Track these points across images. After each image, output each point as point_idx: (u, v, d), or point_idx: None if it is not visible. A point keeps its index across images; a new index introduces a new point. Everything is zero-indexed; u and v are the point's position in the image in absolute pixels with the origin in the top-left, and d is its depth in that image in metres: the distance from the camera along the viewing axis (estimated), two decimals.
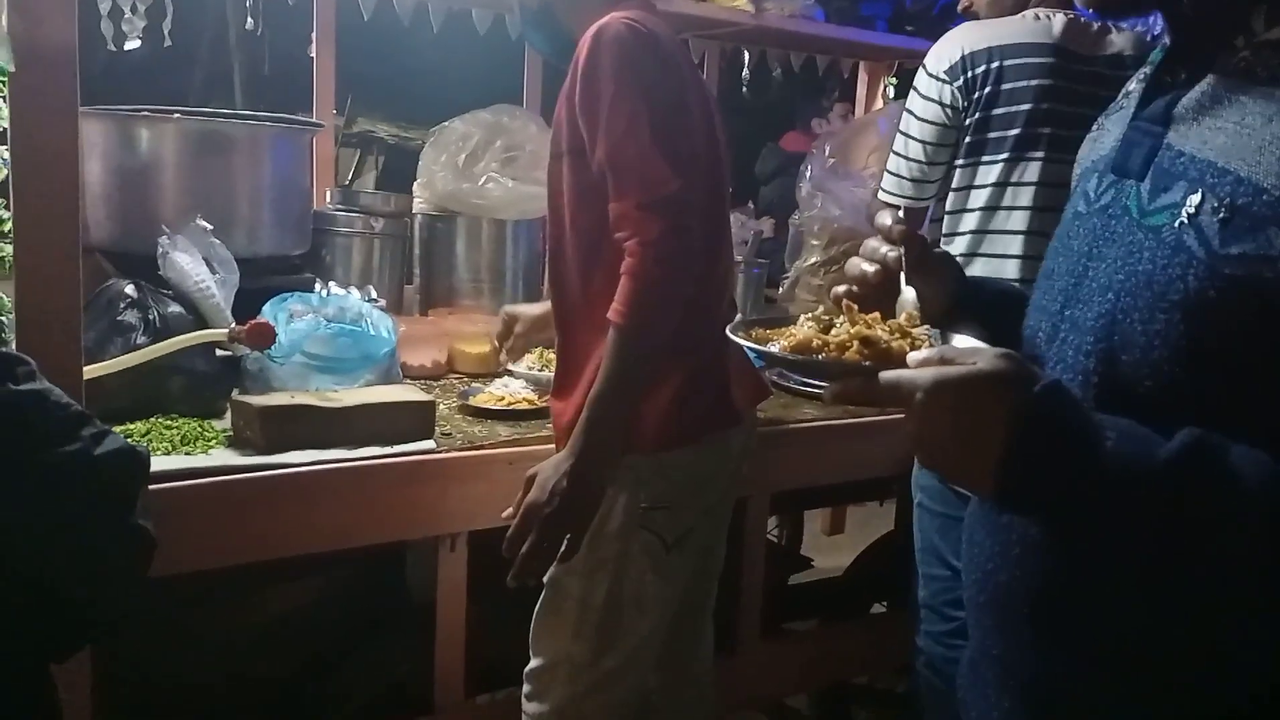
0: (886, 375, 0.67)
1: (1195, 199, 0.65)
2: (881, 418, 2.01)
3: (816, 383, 2.13)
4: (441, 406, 1.85)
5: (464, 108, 2.38)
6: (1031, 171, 1.80)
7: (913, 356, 0.68)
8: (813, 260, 2.91)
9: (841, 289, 0.85)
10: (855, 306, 0.79)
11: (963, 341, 0.74)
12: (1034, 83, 1.78)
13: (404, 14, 2.51)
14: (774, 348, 0.78)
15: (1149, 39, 1.81)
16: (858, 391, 0.70)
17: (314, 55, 2.49)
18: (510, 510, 1.42)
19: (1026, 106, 1.79)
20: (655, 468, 1.50)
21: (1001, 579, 0.76)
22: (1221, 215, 0.63)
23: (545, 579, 1.50)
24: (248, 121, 2.08)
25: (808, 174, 2.93)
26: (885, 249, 0.85)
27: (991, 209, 1.84)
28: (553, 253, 1.59)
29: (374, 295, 2.09)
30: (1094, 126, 0.94)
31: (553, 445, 1.63)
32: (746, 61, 3.03)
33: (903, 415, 0.65)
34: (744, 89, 3.00)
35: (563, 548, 1.40)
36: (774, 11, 2.61)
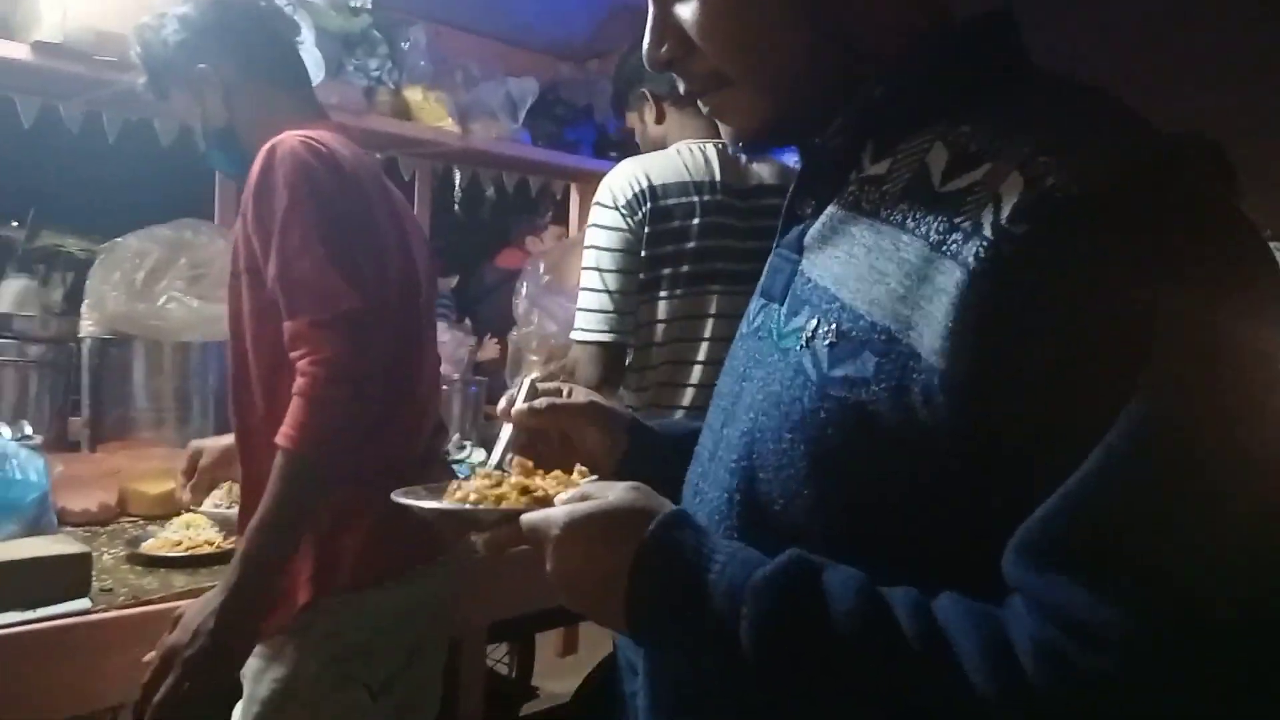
0: (526, 517, 0.68)
1: (813, 323, 0.67)
2: None
3: None
4: (106, 557, 1.64)
5: (158, 219, 2.20)
6: (708, 305, 1.86)
7: (558, 498, 0.69)
8: (533, 376, 2.90)
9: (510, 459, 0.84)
10: (529, 464, 0.80)
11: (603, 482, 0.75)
12: (701, 220, 1.85)
13: (72, 122, 2.30)
14: (430, 503, 0.77)
15: (791, 165, 1.96)
16: (507, 537, 0.70)
17: None
18: (151, 654, 1.27)
19: (694, 244, 1.85)
20: (353, 608, 1.38)
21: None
22: (829, 340, 0.65)
23: None
24: None
25: (523, 291, 2.95)
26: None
27: (674, 342, 1.88)
28: (235, 377, 1.48)
29: (27, 432, 1.85)
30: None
31: None
32: (457, 181, 3.04)
33: None
34: (455, 207, 3.00)
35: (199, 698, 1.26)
36: (481, 133, 2.64)
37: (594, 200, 1.90)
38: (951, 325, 0.58)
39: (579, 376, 1.97)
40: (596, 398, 0.93)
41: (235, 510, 1.84)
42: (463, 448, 2.57)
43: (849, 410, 0.63)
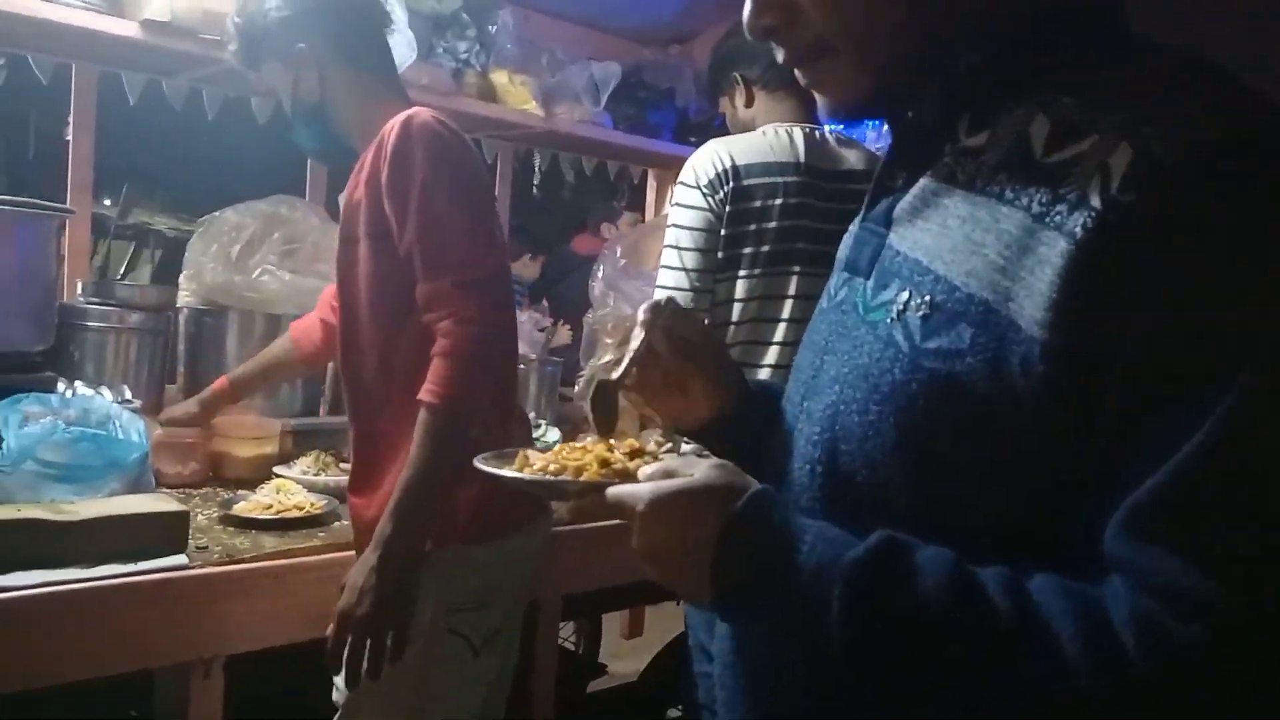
0: (611, 490, 0.69)
1: (904, 296, 0.67)
2: None
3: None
4: (200, 517, 1.70)
5: (247, 198, 2.26)
6: (787, 285, 1.87)
7: (642, 471, 0.71)
8: (606, 358, 2.92)
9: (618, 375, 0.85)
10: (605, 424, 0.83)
11: (691, 454, 0.77)
12: (784, 201, 1.86)
13: (175, 99, 2.38)
14: (518, 473, 0.80)
15: (878, 152, 1.95)
16: (592, 508, 0.72)
17: (70, 138, 2.31)
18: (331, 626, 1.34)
19: (775, 224, 1.86)
20: (466, 562, 1.43)
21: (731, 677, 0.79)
22: (923, 312, 0.65)
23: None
24: None
25: (600, 274, 2.97)
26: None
27: (751, 321, 1.89)
28: (345, 339, 1.53)
29: (127, 395, 1.92)
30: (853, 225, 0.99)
31: (338, 554, 1.53)
32: (538, 164, 3.07)
33: None
34: (535, 189, 3.03)
35: (388, 647, 1.33)
36: (564, 116, 2.67)
37: (678, 179, 1.92)
38: (1055, 296, 0.57)
39: None
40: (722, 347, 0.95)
41: (322, 477, 1.90)
42: (538, 426, 2.61)
43: (941, 382, 0.63)
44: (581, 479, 0.75)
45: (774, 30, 0.74)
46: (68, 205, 2.17)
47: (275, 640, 1.51)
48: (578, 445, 0.81)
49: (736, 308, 1.90)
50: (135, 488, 1.66)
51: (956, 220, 0.66)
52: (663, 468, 0.69)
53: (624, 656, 2.98)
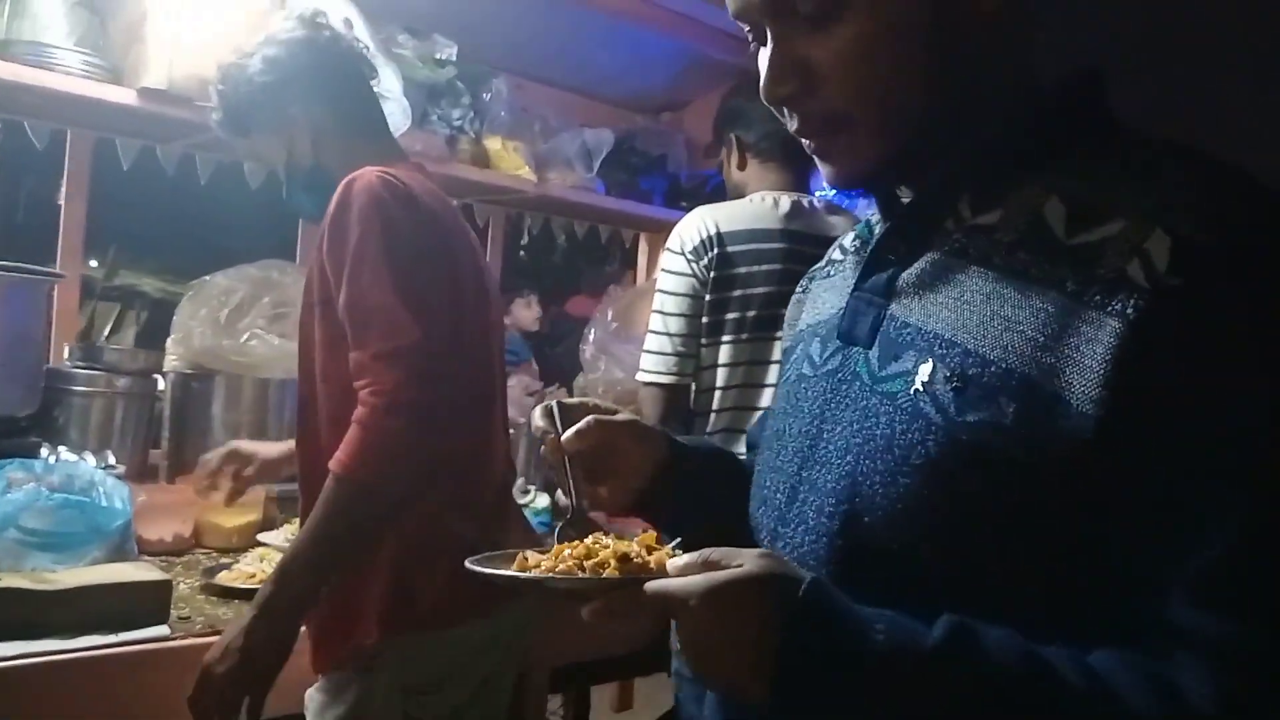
0: (654, 585, 0.65)
1: (925, 368, 0.68)
2: None
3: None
4: (182, 586, 1.67)
5: (235, 260, 2.26)
6: (772, 351, 1.88)
7: (673, 564, 0.67)
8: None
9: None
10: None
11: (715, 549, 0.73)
12: (769, 267, 1.88)
13: (168, 164, 2.39)
14: (533, 574, 0.74)
15: (864, 217, 1.98)
16: (623, 606, 0.67)
17: (62, 203, 2.31)
18: None
19: (760, 290, 1.88)
20: (425, 649, 1.39)
21: None
22: (955, 385, 0.66)
23: None
24: None
25: (591, 337, 2.98)
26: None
27: (738, 387, 1.90)
28: (301, 408, 1.49)
29: (111, 461, 1.90)
30: (799, 288, 1.00)
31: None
32: (528, 227, 3.09)
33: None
34: (521, 253, 3.05)
35: (243, 713, 1.28)
36: (556, 181, 2.69)
37: (664, 246, 1.95)
38: (1109, 373, 0.59)
39: (643, 417, 2.00)
40: (634, 416, 0.91)
41: None
42: (527, 492, 2.58)
43: (981, 454, 0.64)
44: (604, 575, 0.70)
45: (791, 99, 0.74)
46: (58, 269, 2.17)
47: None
48: (579, 543, 0.76)
49: (722, 373, 1.91)
50: (118, 555, 1.63)
51: (979, 296, 0.68)
52: (700, 559, 0.65)
53: None
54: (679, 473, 0.90)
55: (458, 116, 2.48)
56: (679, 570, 0.65)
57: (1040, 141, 0.71)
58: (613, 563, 0.71)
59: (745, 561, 0.64)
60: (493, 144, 2.57)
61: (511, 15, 2.53)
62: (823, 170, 0.78)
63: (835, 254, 0.94)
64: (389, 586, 1.37)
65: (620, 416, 0.88)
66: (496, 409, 1.58)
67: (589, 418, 0.85)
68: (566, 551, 0.74)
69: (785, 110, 0.76)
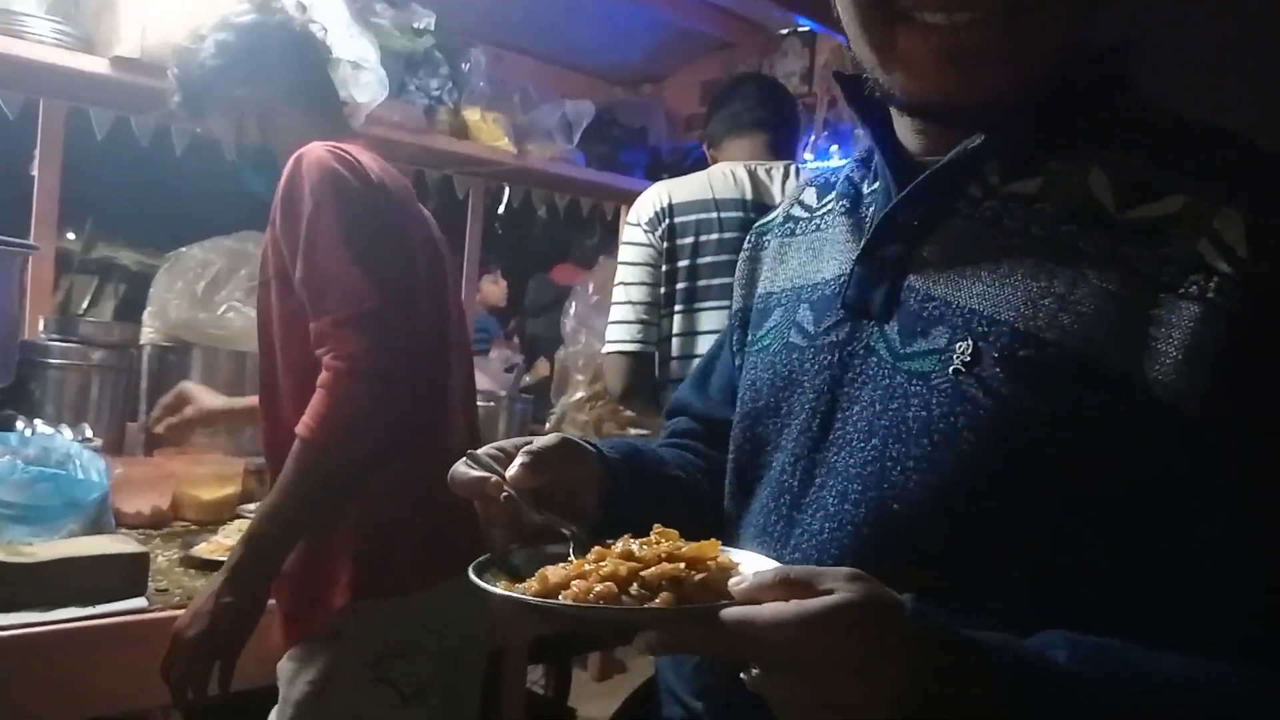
0: (735, 614, 0.53)
1: (964, 346, 0.64)
2: None
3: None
4: (160, 558, 1.66)
5: (214, 231, 2.25)
6: (720, 320, 1.90)
7: (743, 589, 0.54)
8: (578, 395, 2.93)
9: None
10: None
11: (762, 561, 0.64)
12: (714, 236, 1.92)
13: (143, 135, 2.36)
14: (562, 601, 0.60)
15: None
16: (692, 638, 0.56)
17: (35, 174, 2.28)
18: None
19: (709, 259, 1.92)
20: (394, 611, 1.40)
21: None
22: (1005, 366, 0.62)
23: None
24: None
25: (571, 310, 2.98)
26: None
27: (690, 357, 1.93)
28: (264, 383, 1.51)
29: (88, 434, 1.89)
30: (747, 244, 0.92)
31: None
32: (506, 198, 3.08)
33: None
34: (496, 226, 3.06)
35: (213, 678, 1.30)
36: (536, 153, 2.68)
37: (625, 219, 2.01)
38: (1193, 357, 0.57)
39: (609, 386, 2.06)
40: (562, 435, 0.79)
41: None
42: None
43: (1037, 440, 0.61)
44: (659, 604, 0.57)
45: None
46: (31, 241, 2.14)
47: (236, 686, 1.47)
48: (606, 552, 0.63)
49: (675, 343, 1.96)
50: (95, 528, 1.62)
51: (1021, 270, 0.64)
52: (776, 579, 0.54)
53: (595, 698, 2.94)
54: (620, 487, 0.79)
55: (436, 87, 2.46)
56: (751, 594, 0.54)
57: (1080, 109, 0.68)
58: (661, 584, 0.58)
59: (839, 584, 0.53)
60: (471, 115, 2.56)
61: None
62: (922, 83, 0.68)
63: (796, 210, 0.89)
64: (353, 555, 1.39)
65: (548, 441, 0.76)
66: (453, 381, 1.59)
67: (522, 452, 0.73)
68: (589, 566, 0.61)
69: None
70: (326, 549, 1.39)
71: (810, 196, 0.89)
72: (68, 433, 1.84)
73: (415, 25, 2.34)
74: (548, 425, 2.95)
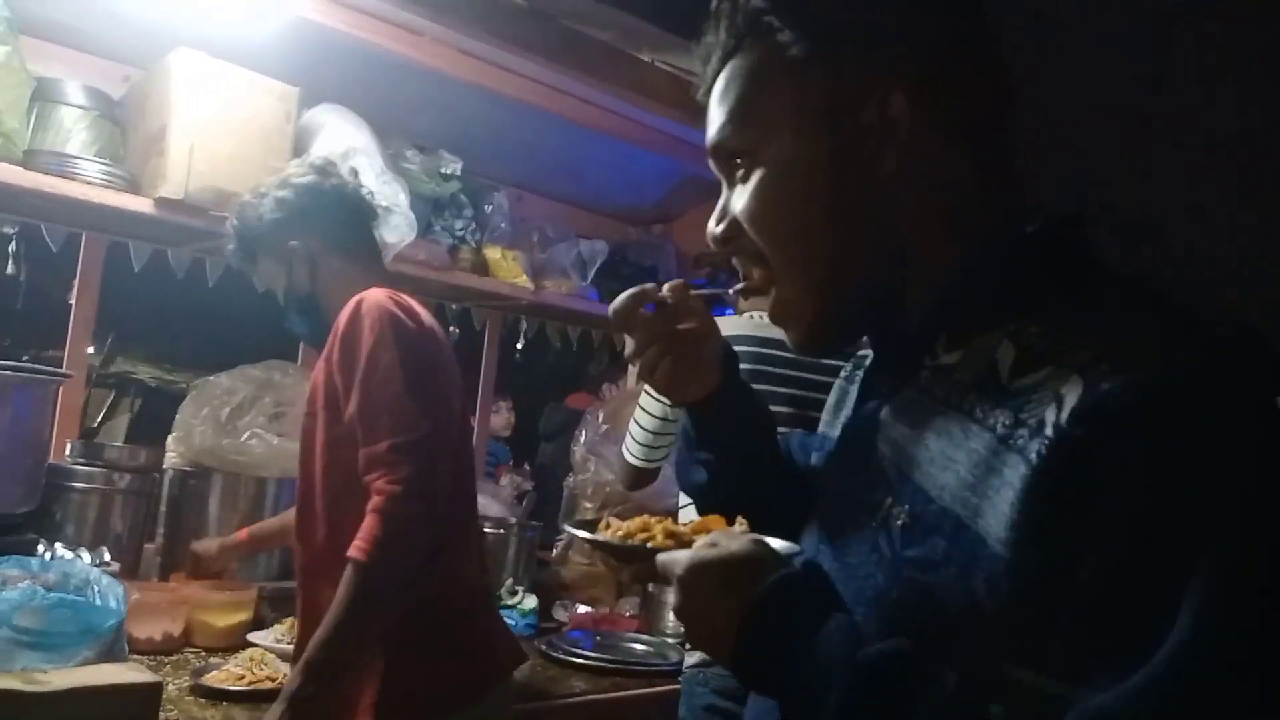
0: (660, 556, 0.78)
1: (888, 501, 0.72)
2: (648, 690, 1.99)
3: (587, 654, 2.12)
4: (171, 687, 1.68)
5: (233, 353, 2.33)
6: None
7: (697, 543, 0.78)
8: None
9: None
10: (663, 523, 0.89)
11: (739, 533, 0.83)
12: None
13: (179, 267, 2.47)
14: (589, 534, 0.90)
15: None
16: (646, 571, 0.81)
17: (73, 302, 2.38)
18: None
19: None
20: None
21: None
22: (902, 520, 0.70)
23: None
24: None
25: (582, 438, 3.03)
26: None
27: None
28: (301, 508, 1.58)
29: (106, 558, 1.92)
30: (841, 375, 1.05)
31: None
32: (524, 330, 3.18)
33: None
34: (517, 353, 3.16)
35: None
36: (552, 289, 2.78)
37: None
38: (1015, 517, 0.61)
39: (619, 480, 2.23)
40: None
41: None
42: (514, 592, 2.59)
43: (919, 591, 0.67)
44: (650, 544, 0.84)
45: (725, 240, 0.83)
46: (64, 369, 2.21)
47: None
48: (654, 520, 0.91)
49: None
50: (109, 655, 1.63)
51: (932, 434, 0.71)
52: (710, 539, 0.77)
53: None
54: (732, 387, 0.97)
55: (460, 227, 2.58)
56: (695, 548, 0.76)
57: (1016, 285, 0.73)
58: (660, 537, 0.85)
59: (735, 544, 0.75)
60: (493, 253, 2.67)
61: (515, 133, 2.66)
62: (787, 338, 0.83)
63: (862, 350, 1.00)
64: (381, 675, 1.43)
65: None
66: (471, 511, 1.68)
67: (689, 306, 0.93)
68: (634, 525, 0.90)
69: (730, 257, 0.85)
70: (354, 673, 1.44)
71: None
72: (87, 556, 1.87)
73: (443, 170, 2.47)
74: (554, 552, 2.96)
